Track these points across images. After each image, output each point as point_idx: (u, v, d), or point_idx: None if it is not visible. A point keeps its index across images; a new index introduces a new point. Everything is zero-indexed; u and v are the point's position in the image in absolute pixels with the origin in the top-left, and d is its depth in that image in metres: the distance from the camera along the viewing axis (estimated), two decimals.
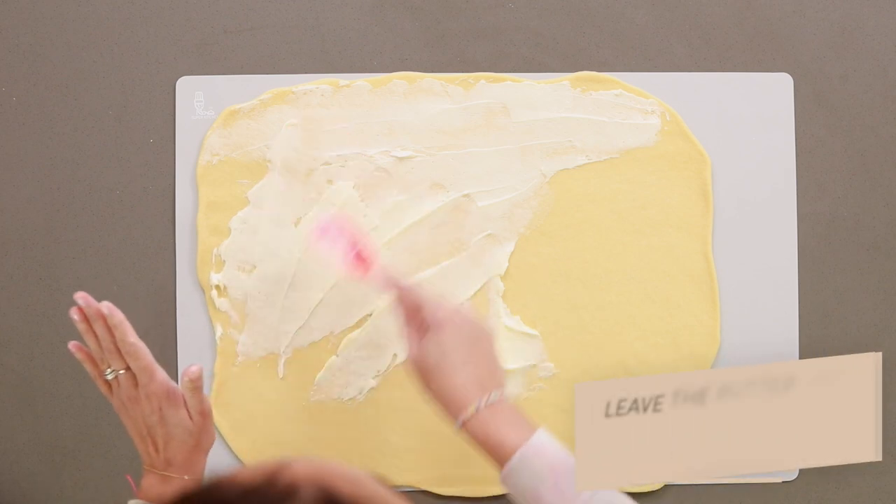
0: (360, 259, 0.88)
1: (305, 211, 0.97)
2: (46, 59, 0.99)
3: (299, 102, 0.98)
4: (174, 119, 0.98)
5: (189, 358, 0.97)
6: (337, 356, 0.97)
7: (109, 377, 0.81)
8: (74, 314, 0.81)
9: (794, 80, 1.00)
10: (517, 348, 0.97)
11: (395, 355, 0.97)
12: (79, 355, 0.82)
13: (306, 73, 0.99)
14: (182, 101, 0.98)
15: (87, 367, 0.82)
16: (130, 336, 0.79)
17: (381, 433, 0.97)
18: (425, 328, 0.82)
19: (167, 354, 0.97)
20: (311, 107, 0.98)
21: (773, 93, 0.99)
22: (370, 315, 0.97)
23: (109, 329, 0.80)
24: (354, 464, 0.97)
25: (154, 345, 0.97)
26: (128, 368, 0.81)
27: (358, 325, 0.97)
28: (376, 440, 0.97)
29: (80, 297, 0.80)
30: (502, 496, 0.97)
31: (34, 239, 0.98)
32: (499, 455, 0.77)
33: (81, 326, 0.81)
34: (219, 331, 0.97)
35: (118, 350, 0.80)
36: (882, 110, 1.00)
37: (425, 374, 0.81)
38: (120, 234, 0.98)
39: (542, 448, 0.76)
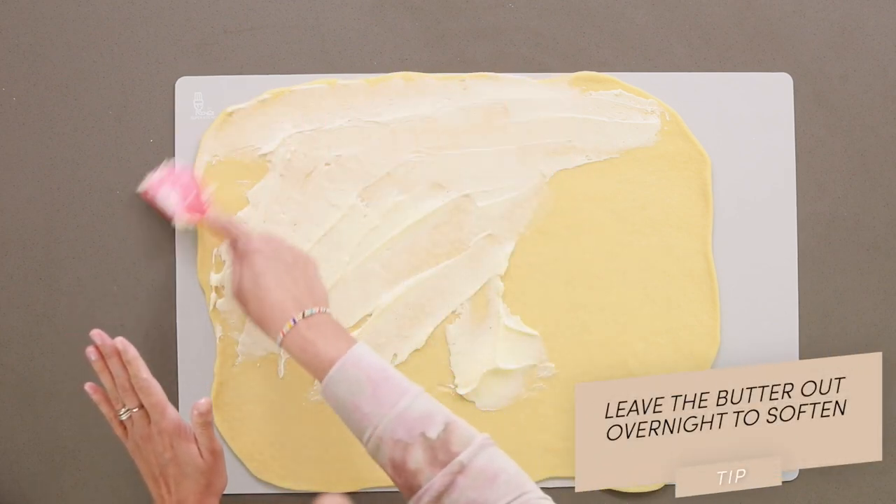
0: (195, 205, 0.94)
1: (306, 212, 0.97)
2: (46, 59, 0.99)
3: (298, 102, 0.98)
4: (173, 119, 0.98)
5: (189, 358, 0.97)
6: None
7: (124, 417, 0.84)
8: (91, 354, 0.84)
9: (794, 80, 1.00)
10: (517, 348, 0.97)
11: (395, 355, 0.97)
12: (95, 397, 0.85)
13: (306, 73, 0.99)
14: (181, 101, 0.98)
15: (103, 408, 0.85)
16: (143, 372, 0.83)
17: None
18: (241, 259, 0.87)
19: (167, 354, 0.97)
20: (310, 107, 0.98)
21: (773, 93, 0.99)
22: (370, 315, 0.97)
23: (124, 365, 0.83)
24: (354, 464, 0.97)
25: (154, 345, 0.97)
26: (141, 406, 0.84)
27: (358, 325, 0.97)
28: None
29: (96, 334, 0.85)
30: None
31: (34, 239, 0.98)
32: (317, 368, 0.80)
33: (98, 364, 0.84)
34: (219, 331, 0.97)
35: (132, 387, 0.83)
36: (882, 110, 1.00)
37: (243, 301, 0.85)
38: (120, 234, 0.98)
39: (359, 360, 0.79)
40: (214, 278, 0.97)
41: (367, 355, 0.80)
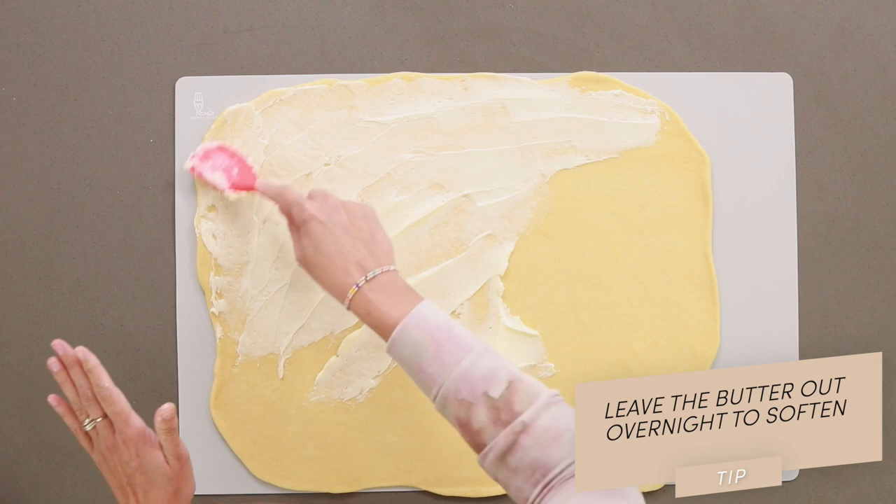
0: (242, 178, 0.95)
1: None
2: (46, 59, 0.99)
3: (298, 103, 0.98)
4: (174, 119, 0.98)
5: (189, 358, 0.97)
6: (337, 356, 0.97)
7: (88, 427, 0.83)
8: (53, 365, 0.83)
9: (794, 80, 1.00)
10: (517, 348, 0.97)
11: None
12: (59, 409, 0.84)
13: (306, 73, 0.99)
14: (181, 101, 0.98)
15: (68, 420, 0.84)
16: (105, 381, 0.81)
17: (381, 433, 0.97)
18: (298, 227, 0.87)
19: (167, 354, 0.97)
20: (310, 107, 0.98)
21: (773, 93, 0.99)
22: None
23: (86, 375, 0.82)
24: (354, 464, 0.97)
25: (154, 345, 0.97)
26: (105, 416, 0.82)
27: (358, 325, 0.97)
28: (376, 440, 0.97)
29: (58, 344, 0.83)
30: (502, 496, 0.97)
31: (34, 239, 0.98)
32: (382, 330, 0.81)
33: (60, 376, 0.83)
34: (219, 331, 0.97)
35: (95, 397, 0.82)
36: (882, 110, 1.00)
37: (309, 269, 0.86)
38: (120, 234, 0.98)
39: (422, 320, 0.79)
40: (214, 280, 0.97)
41: (430, 315, 0.80)
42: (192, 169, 0.95)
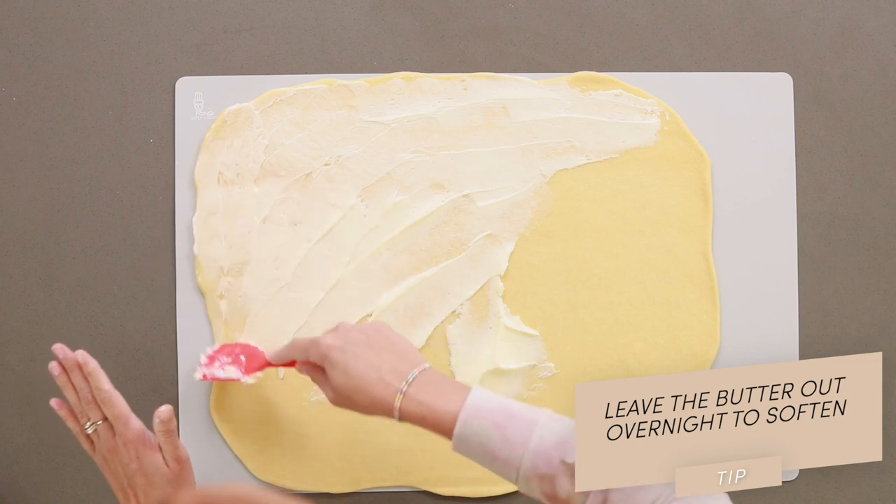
0: (252, 363, 0.93)
1: (306, 212, 0.97)
2: (46, 59, 0.99)
3: (298, 103, 0.98)
4: (174, 119, 0.98)
5: (189, 358, 0.97)
6: None
7: (89, 431, 0.84)
8: (54, 369, 0.84)
9: (794, 80, 1.00)
10: (517, 348, 0.97)
11: None
12: (61, 412, 0.85)
13: (306, 73, 0.99)
14: (181, 101, 0.98)
15: (70, 423, 0.85)
16: (105, 384, 0.82)
17: (381, 433, 0.97)
18: (321, 369, 0.84)
19: (167, 354, 0.97)
20: (310, 107, 0.98)
21: (773, 93, 0.99)
22: (370, 315, 0.97)
23: (86, 378, 0.83)
24: (354, 464, 0.97)
25: (154, 345, 0.97)
26: (105, 419, 0.83)
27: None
28: (376, 440, 0.97)
29: (58, 348, 0.84)
30: (502, 496, 0.97)
31: (34, 239, 0.98)
32: (442, 429, 0.78)
33: (61, 380, 0.84)
34: (219, 332, 0.97)
35: (95, 400, 0.83)
36: (882, 110, 1.00)
37: (348, 400, 0.81)
38: (120, 234, 0.98)
39: (479, 408, 0.77)
40: (214, 280, 0.97)
41: (485, 400, 0.77)
42: (204, 377, 0.92)
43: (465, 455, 0.78)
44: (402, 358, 0.81)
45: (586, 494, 0.72)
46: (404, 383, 0.79)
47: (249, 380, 0.91)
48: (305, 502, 0.56)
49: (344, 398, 0.81)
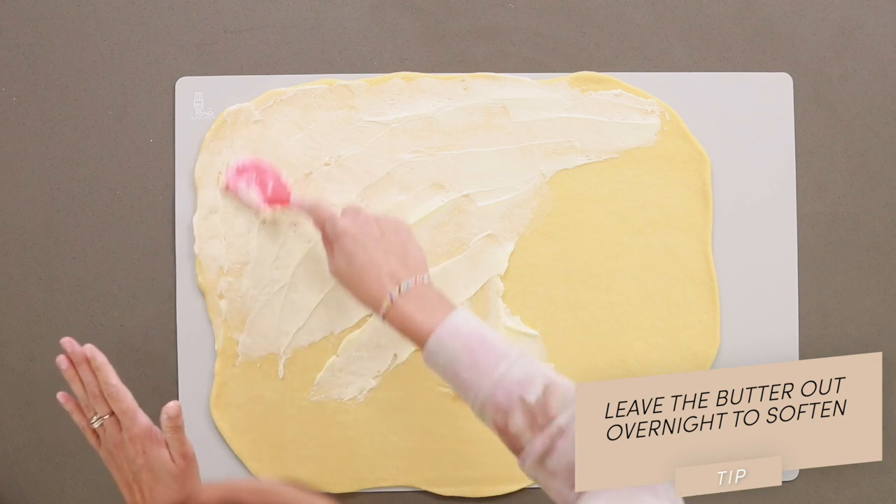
0: (276, 194, 0.94)
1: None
2: (46, 59, 0.99)
3: (298, 103, 0.98)
4: (174, 119, 0.98)
5: (189, 358, 0.97)
6: (337, 356, 0.97)
7: (96, 425, 0.84)
8: (62, 363, 0.84)
9: (794, 80, 1.00)
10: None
11: (395, 355, 0.97)
12: (67, 406, 0.85)
13: (306, 73, 0.99)
14: (181, 101, 0.98)
15: (76, 417, 0.85)
16: (112, 378, 0.82)
17: (381, 433, 0.97)
18: (332, 243, 0.88)
19: (167, 355, 0.97)
20: (310, 107, 0.98)
21: (773, 93, 0.99)
22: (370, 315, 0.97)
23: (93, 372, 0.83)
24: (354, 464, 0.97)
25: (154, 345, 0.97)
26: (112, 414, 0.83)
27: (358, 325, 0.97)
28: (376, 440, 0.97)
29: (66, 342, 0.85)
30: (502, 496, 0.97)
31: (34, 239, 0.98)
32: (418, 340, 0.81)
33: (69, 373, 0.84)
34: (219, 331, 0.97)
35: (102, 395, 0.83)
36: (882, 110, 1.00)
37: (343, 282, 0.86)
38: (120, 234, 0.98)
39: (456, 329, 0.79)
40: (214, 280, 0.97)
41: (463, 323, 0.80)
42: (227, 188, 0.93)
43: (433, 370, 0.80)
44: (405, 264, 0.85)
45: (535, 433, 0.74)
46: (397, 289, 0.82)
47: (267, 210, 0.92)
48: (322, 498, 0.56)
49: (340, 278, 0.86)
